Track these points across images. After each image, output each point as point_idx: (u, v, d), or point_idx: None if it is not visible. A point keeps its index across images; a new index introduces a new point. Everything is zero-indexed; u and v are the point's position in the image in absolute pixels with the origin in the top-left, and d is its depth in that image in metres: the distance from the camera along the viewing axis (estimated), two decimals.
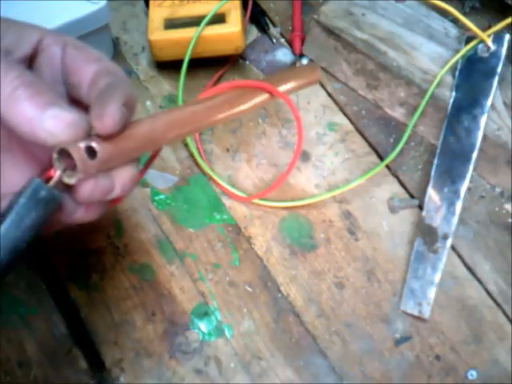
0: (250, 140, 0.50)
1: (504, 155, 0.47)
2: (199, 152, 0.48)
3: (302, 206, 0.47)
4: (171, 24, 0.50)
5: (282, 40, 0.55)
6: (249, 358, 0.42)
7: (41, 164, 0.33)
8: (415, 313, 0.43)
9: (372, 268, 0.45)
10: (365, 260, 0.45)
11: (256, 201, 0.47)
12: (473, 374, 0.41)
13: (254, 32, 0.56)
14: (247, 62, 0.54)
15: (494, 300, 0.44)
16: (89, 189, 0.30)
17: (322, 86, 0.52)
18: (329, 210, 0.47)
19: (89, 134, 0.29)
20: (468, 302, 0.44)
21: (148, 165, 0.37)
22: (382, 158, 0.49)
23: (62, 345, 0.41)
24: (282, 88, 0.39)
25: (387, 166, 0.49)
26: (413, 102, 0.50)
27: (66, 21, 0.46)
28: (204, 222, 0.46)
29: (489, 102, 0.47)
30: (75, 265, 0.44)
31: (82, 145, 0.29)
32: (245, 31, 0.53)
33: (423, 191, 0.47)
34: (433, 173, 0.46)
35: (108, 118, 0.29)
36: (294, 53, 0.54)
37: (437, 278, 0.44)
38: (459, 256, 0.45)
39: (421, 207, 0.46)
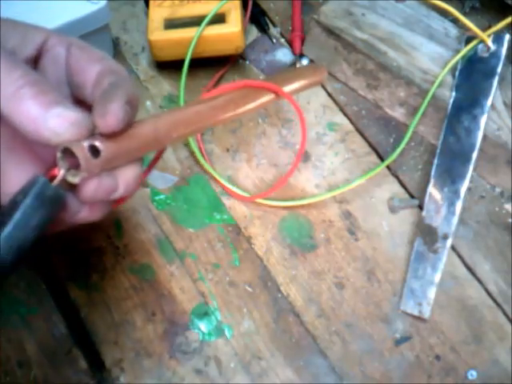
0: (249, 140, 0.50)
1: (504, 155, 0.47)
2: (201, 152, 0.48)
3: (302, 206, 0.47)
4: (171, 24, 0.50)
5: (282, 40, 0.55)
6: (249, 357, 0.42)
7: (45, 163, 0.33)
8: (415, 313, 0.43)
9: (372, 268, 0.45)
10: (365, 260, 0.45)
11: (256, 200, 0.47)
12: (473, 374, 0.41)
13: (254, 32, 0.56)
14: (247, 62, 0.54)
15: (494, 300, 0.44)
16: (92, 188, 0.30)
17: (322, 86, 0.52)
18: (329, 210, 0.47)
19: (93, 134, 0.29)
20: (468, 302, 0.44)
21: (152, 165, 0.37)
22: (381, 158, 0.49)
23: (62, 345, 0.41)
24: (287, 88, 0.39)
25: (387, 166, 0.48)
26: (413, 102, 0.50)
27: (66, 21, 0.46)
28: (204, 222, 0.46)
29: (489, 102, 0.47)
30: (75, 265, 0.44)
31: (86, 144, 0.29)
32: (245, 31, 0.53)
33: (423, 191, 0.47)
34: (433, 173, 0.46)
35: (111, 115, 0.29)
36: (294, 53, 0.54)
37: (437, 278, 0.44)
38: (459, 256, 0.45)
39: (421, 207, 0.46)
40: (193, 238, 0.46)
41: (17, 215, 0.28)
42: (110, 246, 0.45)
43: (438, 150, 0.47)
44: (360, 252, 0.45)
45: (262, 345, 0.42)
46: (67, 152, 0.29)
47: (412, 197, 0.48)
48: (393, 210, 0.47)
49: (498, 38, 0.48)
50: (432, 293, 0.43)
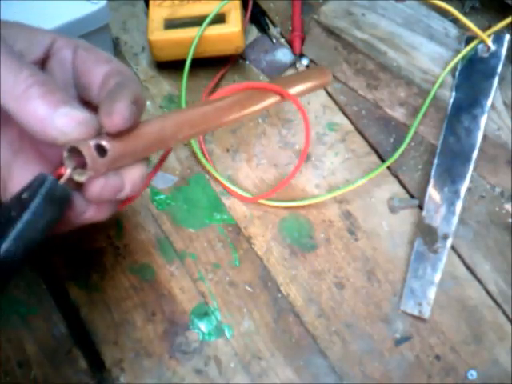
0: (250, 140, 0.50)
1: (504, 155, 0.47)
2: (203, 153, 0.48)
3: (303, 206, 0.47)
4: (171, 24, 0.50)
5: (282, 40, 0.55)
6: (249, 358, 0.42)
7: (52, 164, 0.33)
8: (415, 313, 0.43)
9: (372, 268, 0.45)
10: (365, 260, 0.45)
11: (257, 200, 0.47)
12: (473, 374, 0.41)
13: (254, 32, 0.56)
14: (247, 62, 0.54)
15: (494, 300, 0.44)
16: (99, 187, 0.30)
17: None
18: (329, 210, 0.47)
19: (99, 133, 0.30)
20: (468, 302, 0.44)
21: (159, 165, 0.37)
22: (382, 158, 0.49)
23: (62, 345, 0.41)
24: (293, 90, 0.39)
25: (387, 166, 0.48)
26: (413, 102, 0.50)
27: (66, 21, 0.46)
28: (204, 221, 0.46)
29: (489, 102, 0.47)
30: (75, 265, 0.44)
31: (92, 143, 0.29)
32: (245, 31, 0.53)
33: (423, 191, 0.47)
34: (433, 173, 0.46)
35: (117, 114, 0.29)
36: (294, 53, 0.54)
37: (437, 278, 0.44)
38: (459, 256, 0.45)
39: (421, 207, 0.46)
40: (193, 238, 0.46)
41: (26, 215, 0.28)
42: (110, 246, 0.45)
43: (438, 150, 0.47)
44: (360, 252, 0.45)
45: (261, 345, 0.42)
46: (74, 151, 0.29)
47: (412, 197, 0.48)
48: (393, 210, 0.47)
49: (497, 38, 0.48)
50: (432, 293, 0.43)
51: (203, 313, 0.43)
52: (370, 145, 0.50)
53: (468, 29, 0.48)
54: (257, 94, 0.38)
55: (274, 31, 0.56)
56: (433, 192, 0.46)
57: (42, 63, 0.34)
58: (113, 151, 0.29)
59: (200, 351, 0.42)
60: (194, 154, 0.49)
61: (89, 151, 0.29)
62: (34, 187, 0.29)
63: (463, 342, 0.42)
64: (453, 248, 0.45)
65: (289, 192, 0.47)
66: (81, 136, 0.29)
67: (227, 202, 0.47)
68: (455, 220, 0.45)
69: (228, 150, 0.49)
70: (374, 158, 0.49)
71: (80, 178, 0.30)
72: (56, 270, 0.44)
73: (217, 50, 0.51)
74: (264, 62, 0.54)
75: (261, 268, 0.45)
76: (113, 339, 0.42)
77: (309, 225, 0.46)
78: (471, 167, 0.46)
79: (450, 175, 0.46)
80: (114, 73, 0.32)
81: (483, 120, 0.46)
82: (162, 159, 0.37)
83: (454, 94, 0.48)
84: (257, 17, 0.55)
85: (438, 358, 0.42)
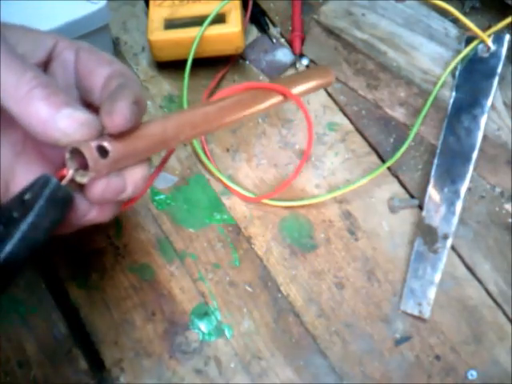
0: (250, 140, 0.50)
1: (504, 155, 0.47)
2: (205, 153, 0.48)
3: (302, 206, 0.47)
4: (171, 24, 0.50)
5: (282, 40, 0.55)
6: (249, 358, 0.42)
7: (54, 165, 0.34)
8: (415, 313, 0.43)
9: (372, 268, 0.45)
10: (365, 260, 0.45)
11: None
12: (473, 374, 0.41)
13: (254, 32, 0.56)
14: (247, 62, 0.54)
15: (494, 300, 0.44)
16: (100, 188, 0.30)
17: None
18: (329, 210, 0.47)
19: (101, 134, 0.30)
20: (468, 302, 0.44)
21: (161, 166, 0.37)
22: (381, 158, 0.49)
23: (62, 345, 0.41)
24: (295, 90, 0.39)
25: (387, 167, 0.48)
26: (413, 102, 0.50)
27: (66, 21, 0.46)
28: (204, 221, 0.46)
29: (489, 102, 0.47)
30: (75, 264, 0.44)
31: (94, 144, 0.29)
32: (245, 31, 0.53)
33: (423, 191, 0.47)
34: (433, 173, 0.46)
35: (118, 115, 0.29)
36: (294, 53, 0.54)
37: (437, 278, 0.44)
38: (459, 256, 0.45)
39: (421, 207, 0.46)
40: (193, 238, 0.46)
41: (30, 217, 0.28)
42: (109, 246, 0.45)
43: (438, 150, 0.47)
44: (360, 252, 0.45)
45: (261, 345, 0.42)
46: (76, 152, 0.29)
47: (412, 197, 0.48)
48: (393, 210, 0.47)
49: (498, 38, 0.48)
50: (432, 293, 0.43)
51: (203, 313, 0.43)
52: (370, 145, 0.50)
53: (468, 29, 0.48)
54: (259, 94, 0.38)
55: (274, 31, 0.56)
56: (433, 192, 0.46)
57: (45, 65, 0.34)
58: (114, 152, 0.29)
59: (200, 351, 0.42)
60: (194, 154, 0.49)
61: (90, 152, 0.29)
62: (36, 188, 0.29)
63: (463, 342, 0.42)
64: (453, 248, 0.45)
65: (289, 192, 0.47)
66: (83, 137, 0.29)
67: (227, 202, 0.47)
68: (455, 220, 0.45)
69: (228, 150, 0.49)
70: (373, 158, 0.49)
71: (82, 179, 0.30)
72: (56, 270, 0.44)
73: (217, 50, 0.51)
74: (264, 62, 0.54)
75: (261, 268, 0.45)
76: (113, 339, 0.42)
77: (309, 225, 0.46)
78: (471, 167, 0.46)
79: (450, 175, 0.46)
80: (116, 74, 0.32)
81: (483, 120, 0.46)
82: (165, 160, 0.37)
83: (454, 94, 0.48)
84: (257, 17, 0.55)
85: (437, 358, 0.42)
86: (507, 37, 0.48)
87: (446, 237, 0.45)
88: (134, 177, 0.32)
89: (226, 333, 0.42)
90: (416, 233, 0.46)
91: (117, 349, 0.41)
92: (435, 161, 0.47)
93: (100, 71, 0.33)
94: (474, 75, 0.48)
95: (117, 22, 0.55)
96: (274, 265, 0.45)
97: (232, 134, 0.50)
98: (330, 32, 0.51)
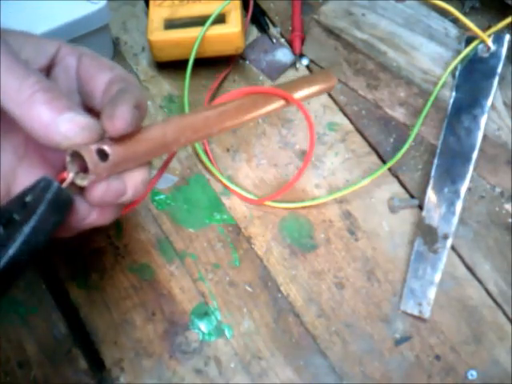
0: (250, 140, 0.50)
1: (504, 155, 0.47)
2: (206, 153, 0.48)
3: (303, 207, 0.47)
4: (171, 24, 0.50)
5: (282, 40, 0.55)
6: (249, 358, 0.42)
7: (55, 169, 0.34)
8: (415, 313, 0.43)
9: (372, 268, 0.45)
10: (365, 260, 0.45)
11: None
12: (473, 374, 0.41)
13: (254, 32, 0.56)
14: (247, 62, 0.54)
15: (494, 300, 0.44)
16: (101, 191, 0.31)
17: None
18: (329, 210, 0.47)
19: (102, 138, 0.30)
20: (468, 302, 0.44)
21: (163, 169, 0.37)
22: (381, 158, 0.49)
23: (62, 345, 0.41)
24: (297, 95, 0.39)
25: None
26: (413, 102, 0.50)
27: (66, 21, 0.46)
28: (204, 221, 0.46)
29: (489, 102, 0.47)
30: (75, 264, 0.44)
31: (94, 147, 0.29)
32: (246, 32, 0.53)
33: (423, 191, 0.47)
34: (433, 173, 0.46)
35: (118, 119, 0.29)
36: (294, 53, 0.54)
37: (437, 278, 0.44)
38: (459, 256, 0.45)
39: (421, 207, 0.46)
40: (193, 238, 0.46)
41: (33, 221, 0.28)
42: (109, 246, 0.45)
43: (438, 150, 0.47)
44: (360, 252, 0.45)
45: (261, 345, 0.42)
46: (76, 156, 0.29)
47: (412, 197, 0.48)
48: (393, 210, 0.47)
49: (498, 38, 0.48)
50: (432, 293, 0.43)
51: (203, 313, 0.43)
52: (370, 145, 0.50)
53: (468, 29, 0.48)
54: (261, 98, 0.38)
55: (274, 31, 0.56)
56: (433, 192, 0.46)
57: (47, 71, 0.34)
58: (114, 156, 0.30)
59: (200, 351, 0.42)
60: (194, 154, 0.49)
61: (90, 155, 0.29)
62: (37, 191, 0.29)
63: (463, 342, 0.42)
64: (453, 248, 0.45)
65: (289, 192, 0.47)
66: (84, 141, 0.29)
67: (227, 202, 0.47)
68: (455, 220, 0.45)
69: (228, 150, 0.49)
70: (374, 158, 0.49)
71: (82, 182, 0.30)
72: (56, 270, 0.44)
73: (217, 50, 0.51)
74: (264, 62, 0.54)
75: (261, 268, 0.45)
76: (113, 339, 0.42)
77: (309, 225, 0.46)
78: (471, 167, 0.46)
79: (450, 175, 0.46)
80: (117, 79, 0.33)
81: (483, 120, 0.46)
82: (166, 163, 0.37)
83: (454, 94, 0.48)
84: (257, 17, 0.55)
85: (437, 358, 0.42)
86: (507, 37, 0.48)
87: (445, 237, 0.45)
88: (135, 180, 0.32)
89: (226, 333, 0.42)
90: (416, 233, 0.46)
91: (117, 349, 0.41)
92: (435, 161, 0.47)
93: (101, 76, 0.33)
94: (474, 75, 0.48)
95: (117, 22, 0.55)
96: (274, 265, 0.45)
97: (232, 134, 0.50)
98: (330, 32, 0.51)
